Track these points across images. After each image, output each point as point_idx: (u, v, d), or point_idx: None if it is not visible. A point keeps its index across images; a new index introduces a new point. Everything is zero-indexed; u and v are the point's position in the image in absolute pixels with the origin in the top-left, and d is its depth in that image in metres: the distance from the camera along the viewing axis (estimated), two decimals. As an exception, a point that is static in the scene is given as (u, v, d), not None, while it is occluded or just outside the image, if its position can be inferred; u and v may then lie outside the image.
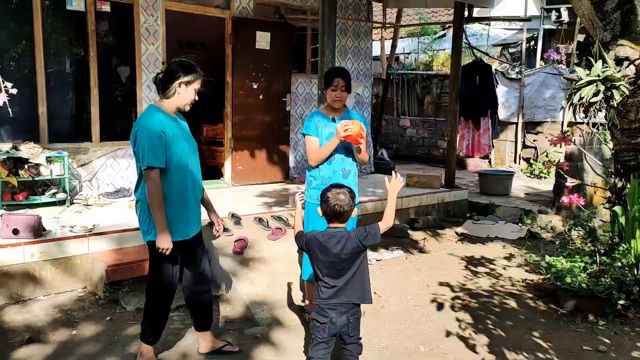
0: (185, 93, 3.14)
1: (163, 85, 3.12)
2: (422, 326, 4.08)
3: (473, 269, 5.49)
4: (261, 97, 7.39)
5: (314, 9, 7.95)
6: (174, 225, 3.14)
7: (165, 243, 3.07)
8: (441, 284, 5.00)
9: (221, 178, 7.59)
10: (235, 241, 4.84)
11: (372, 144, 9.38)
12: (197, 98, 3.23)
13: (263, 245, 4.99)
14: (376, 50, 10.57)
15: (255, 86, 7.31)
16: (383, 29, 10.50)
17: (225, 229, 5.04)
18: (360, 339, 2.93)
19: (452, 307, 4.44)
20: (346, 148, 3.83)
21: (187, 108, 3.24)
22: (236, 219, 5.30)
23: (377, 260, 5.59)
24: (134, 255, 4.60)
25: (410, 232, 6.60)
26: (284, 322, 4.04)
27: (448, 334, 3.95)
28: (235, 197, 6.81)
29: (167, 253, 3.10)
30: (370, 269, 5.33)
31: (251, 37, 7.21)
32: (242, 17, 7.22)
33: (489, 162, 12.03)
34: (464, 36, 8.22)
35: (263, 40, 7.31)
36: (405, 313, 4.32)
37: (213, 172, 7.76)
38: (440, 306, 4.49)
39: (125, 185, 6.39)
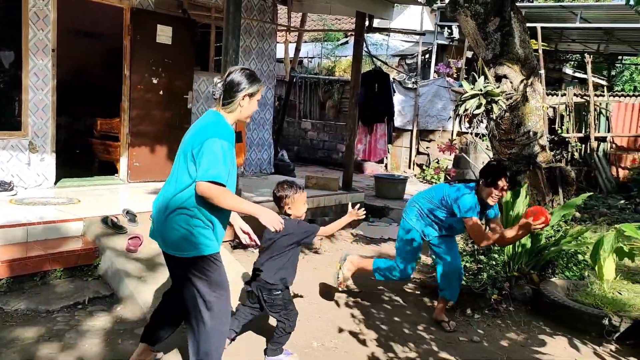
0: (249, 106, 2.93)
1: (225, 97, 2.87)
2: (316, 322, 4.22)
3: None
4: (161, 92, 7.20)
5: (219, 6, 7.89)
6: (218, 236, 2.91)
7: (274, 218, 2.89)
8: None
9: (116, 174, 7.30)
10: (129, 239, 4.70)
11: (273, 145, 9.47)
12: (257, 109, 3.03)
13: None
14: (280, 53, 10.68)
15: (155, 81, 7.11)
16: (288, 32, 10.64)
17: (118, 226, 4.89)
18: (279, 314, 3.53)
19: (346, 304, 4.63)
20: None
21: (248, 120, 3.08)
22: (131, 216, 5.14)
23: (274, 259, 5.66)
24: (13, 252, 4.32)
25: (307, 232, 6.74)
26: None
27: (340, 329, 4.11)
28: (131, 194, 6.59)
29: (281, 227, 2.90)
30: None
31: (151, 30, 7.01)
32: (141, 9, 7.00)
33: (385, 166, 12.58)
34: (364, 44, 8.54)
35: (164, 34, 7.14)
36: (300, 310, 4.41)
37: (107, 168, 7.44)
38: (334, 303, 4.66)
39: (7, 178, 5.95)
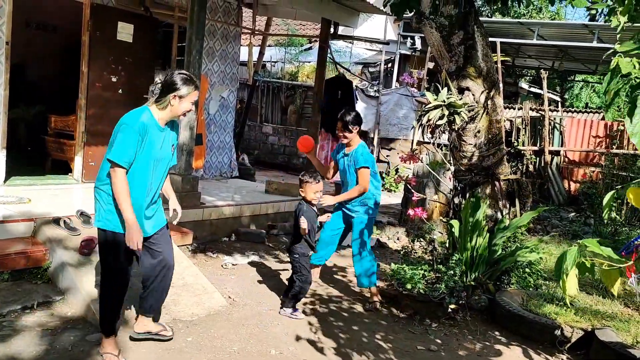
0: (179, 106, 3.26)
1: (159, 95, 3.25)
2: (274, 330, 4.16)
3: (325, 275, 5.71)
4: (120, 91, 7.01)
5: (182, 6, 7.76)
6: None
7: (135, 237, 3.22)
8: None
9: (70, 173, 7.05)
10: (82, 241, 4.52)
11: (234, 148, 9.36)
12: (193, 109, 3.40)
13: (113, 247, 4.73)
14: (244, 56, 10.59)
15: (114, 79, 6.92)
16: (252, 35, 10.55)
17: (71, 228, 4.71)
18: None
19: (304, 312, 4.59)
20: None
21: (182, 118, 3.47)
22: (85, 217, 4.96)
23: (232, 264, 5.59)
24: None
25: (267, 238, 6.68)
26: (132, 326, 3.86)
27: (298, 337, 4.07)
28: (86, 194, 6.36)
29: (136, 247, 3.23)
30: (225, 273, 5.35)
31: (112, 27, 6.82)
32: (102, 5, 6.80)
33: (346, 173, 12.62)
34: (328, 51, 8.56)
35: (125, 31, 6.95)
36: (258, 317, 4.37)
37: (60, 166, 7.18)
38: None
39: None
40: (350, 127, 4.70)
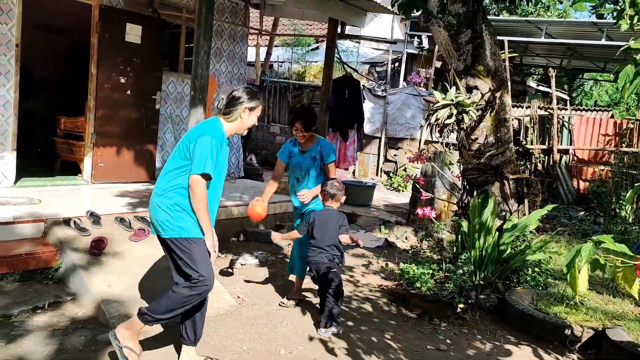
0: (249, 118, 3.37)
1: (226, 108, 3.34)
2: (284, 329, 4.17)
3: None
4: (129, 92, 7.05)
5: (190, 7, 7.79)
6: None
7: (214, 244, 3.36)
8: (304, 289, 5.14)
9: (79, 174, 7.09)
10: (92, 241, 4.56)
11: (242, 149, 9.37)
12: (256, 124, 3.48)
13: (124, 247, 4.76)
14: (251, 56, 10.60)
15: (122, 80, 6.95)
16: (259, 36, 10.57)
17: (81, 228, 4.75)
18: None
19: (313, 312, 4.59)
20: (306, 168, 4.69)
21: (245, 132, 3.50)
22: (95, 217, 4.99)
23: (241, 264, 5.60)
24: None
25: (275, 237, 6.69)
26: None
27: (308, 337, 4.07)
28: (95, 195, 6.41)
29: (215, 255, 3.34)
30: (234, 273, 5.35)
31: (120, 28, 6.86)
32: (111, 7, 6.84)
33: (353, 173, 12.62)
34: (336, 51, 8.56)
35: (133, 33, 6.99)
36: (267, 316, 4.38)
37: (70, 167, 7.22)
38: (302, 310, 4.62)
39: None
40: (310, 126, 4.71)
